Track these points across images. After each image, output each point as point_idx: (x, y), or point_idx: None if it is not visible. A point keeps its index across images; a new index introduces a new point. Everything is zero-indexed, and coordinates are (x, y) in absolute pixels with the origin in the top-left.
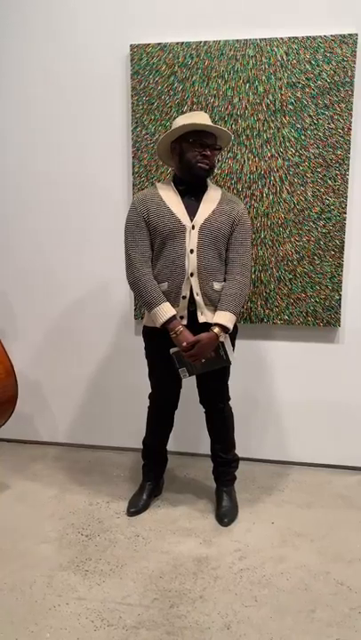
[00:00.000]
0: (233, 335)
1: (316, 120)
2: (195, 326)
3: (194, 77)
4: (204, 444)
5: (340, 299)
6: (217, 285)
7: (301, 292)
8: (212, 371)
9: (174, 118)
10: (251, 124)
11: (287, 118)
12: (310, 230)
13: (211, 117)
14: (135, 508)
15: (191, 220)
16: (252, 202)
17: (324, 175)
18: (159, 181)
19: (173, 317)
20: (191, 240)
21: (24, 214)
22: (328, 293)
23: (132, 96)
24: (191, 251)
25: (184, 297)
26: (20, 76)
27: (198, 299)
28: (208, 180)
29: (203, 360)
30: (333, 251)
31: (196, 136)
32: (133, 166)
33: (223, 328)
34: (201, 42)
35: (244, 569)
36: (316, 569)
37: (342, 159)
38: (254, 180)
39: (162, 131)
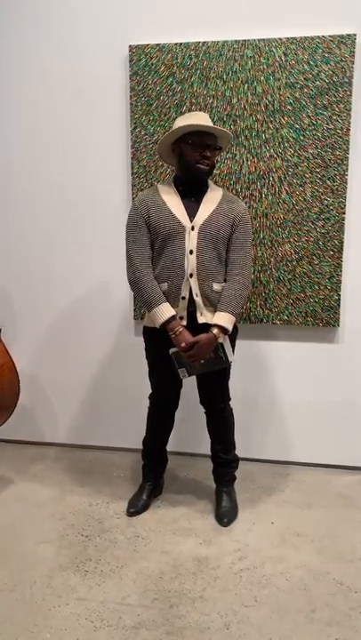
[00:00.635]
0: (233, 336)
1: (315, 120)
2: (194, 327)
3: (193, 78)
4: (204, 445)
5: (339, 299)
6: (216, 286)
7: (301, 293)
8: (212, 371)
9: (173, 119)
10: (249, 124)
11: (286, 119)
12: (309, 230)
13: (209, 118)
14: (135, 508)
15: (191, 221)
16: (252, 202)
17: (323, 175)
18: (159, 182)
19: (173, 318)
20: (191, 241)
21: (23, 214)
22: (327, 293)
23: (130, 97)
24: (191, 251)
25: (183, 297)
26: (20, 77)
27: (198, 299)
28: (209, 181)
29: (202, 361)
30: (332, 251)
31: (196, 137)
32: (132, 167)
33: (222, 329)
34: (200, 42)
35: (244, 569)
36: (316, 569)
37: (341, 159)
38: (253, 181)
39: (161, 131)
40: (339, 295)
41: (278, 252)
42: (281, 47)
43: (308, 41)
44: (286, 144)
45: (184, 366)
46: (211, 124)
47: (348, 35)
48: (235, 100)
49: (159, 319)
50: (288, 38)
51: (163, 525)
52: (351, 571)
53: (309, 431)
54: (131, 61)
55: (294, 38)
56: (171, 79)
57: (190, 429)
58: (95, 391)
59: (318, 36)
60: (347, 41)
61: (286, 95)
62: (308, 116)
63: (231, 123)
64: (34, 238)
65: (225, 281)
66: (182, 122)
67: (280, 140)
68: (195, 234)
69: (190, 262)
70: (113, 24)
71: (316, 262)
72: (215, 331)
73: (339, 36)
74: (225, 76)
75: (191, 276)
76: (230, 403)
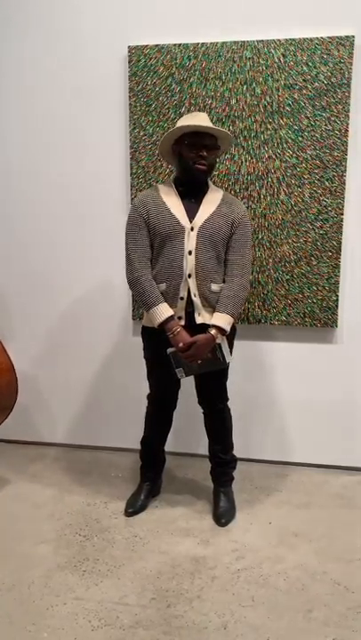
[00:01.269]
0: (232, 336)
1: (314, 121)
2: (192, 327)
3: (191, 79)
4: (202, 445)
5: (337, 299)
6: (215, 287)
7: (299, 293)
8: (210, 372)
9: (172, 120)
10: (248, 125)
11: (284, 120)
12: (308, 231)
13: (210, 118)
14: (133, 508)
15: (190, 222)
16: (250, 203)
17: (322, 176)
18: (160, 182)
19: (171, 318)
20: (190, 241)
21: (23, 214)
22: (325, 294)
23: (129, 97)
24: (189, 252)
25: (182, 298)
26: (19, 77)
27: (196, 300)
28: (209, 182)
29: (199, 361)
30: (331, 252)
31: (192, 137)
32: (131, 167)
33: (220, 330)
34: (199, 43)
35: (242, 569)
36: (314, 569)
37: (339, 160)
38: (252, 182)
39: (160, 132)
40: (337, 296)
41: (277, 252)
42: (280, 48)
43: (306, 42)
44: (285, 145)
45: (182, 366)
46: (209, 125)
47: (347, 36)
48: (234, 101)
49: (157, 319)
50: (287, 39)
51: (161, 525)
52: (349, 571)
53: (307, 431)
54: (130, 62)
55: (293, 39)
56: (170, 80)
57: (188, 430)
58: (94, 391)
59: (317, 38)
60: (345, 42)
61: (285, 96)
62: (307, 117)
63: (230, 123)
64: (33, 238)
65: (224, 282)
66: (182, 122)
67: (279, 140)
68: (194, 234)
69: (189, 263)
70: (112, 25)
71: (315, 263)
72: (213, 331)
73: (337, 37)
74: (224, 77)
75: (190, 276)
76: (228, 403)
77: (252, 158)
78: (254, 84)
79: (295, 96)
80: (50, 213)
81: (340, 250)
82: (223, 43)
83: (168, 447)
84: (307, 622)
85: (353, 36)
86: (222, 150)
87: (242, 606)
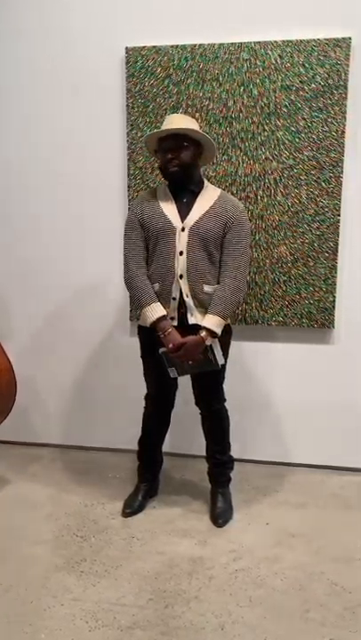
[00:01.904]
0: (227, 337)
1: (311, 123)
2: (185, 327)
3: (189, 80)
4: (199, 445)
5: (334, 300)
6: (208, 288)
7: (296, 294)
8: (207, 372)
9: None
10: (245, 126)
11: (281, 121)
12: (305, 232)
13: (205, 120)
14: (130, 508)
15: (182, 222)
16: (247, 204)
17: (319, 177)
18: (159, 184)
19: (163, 318)
20: (181, 242)
21: (20, 215)
22: (322, 295)
23: (127, 98)
24: (180, 252)
25: (174, 298)
26: (17, 78)
27: (188, 300)
28: (206, 182)
29: (190, 362)
30: (328, 252)
31: (159, 144)
32: (129, 168)
33: (211, 332)
34: (196, 45)
35: (239, 569)
36: (311, 569)
37: (336, 161)
38: (249, 183)
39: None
40: (334, 297)
41: (274, 253)
42: (277, 50)
43: (303, 44)
44: (282, 146)
45: (174, 366)
46: (173, 126)
47: (344, 38)
48: (231, 103)
49: (149, 319)
50: (284, 41)
51: (158, 526)
52: (346, 571)
53: (304, 432)
54: (127, 63)
55: (290, 41)
56: (167, 81)
57: (186, 430)
58: (91, 392)
59: (314, 39)
60: (342, 44)
61: (282, 97)
62: (304, 119)
63: (227, 125)
64: (30, 238)
65: (218, 282)
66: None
67: (276, 142)
68: (185, 235)
69: (180, 263)
70: (110, 26)
71: (312, 264)
72: (203, 333)
73: (334, 39)
74: (221, 79)
75: (181, 277)
76: (226, 404)
77: (249, 159)
78: (251, 86)
79: (292, 97)
80: (47, 214)
81: (337, 251)
82: (220, 44)
83: (165, 448)
84: (304, 622)
85: (350, 38)
86: (206, 147)
87: (239, 606)
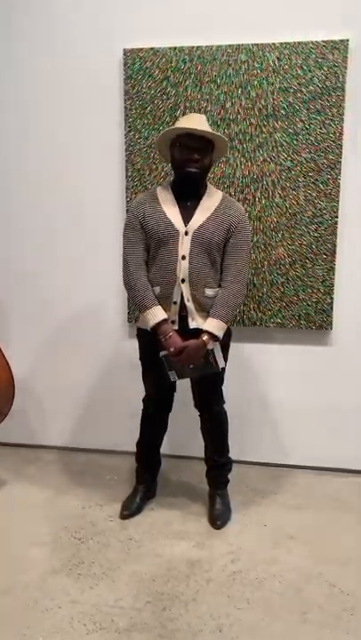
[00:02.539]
0: (227, 340)
1: (308, 125)
2: (187, 331)
3: (187, 82)
4: (197, 447)
5: (332, 302)
6: (209, 292)
7: (294, 296)
8: (205, 375)
9: (167, 122)
10: (243, 128)
11: (279, 123)
12: (302, 234)
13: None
14: (128, 511)
15: (185, 226)
16: (245, 206)
17: (316, 179)
18: (159, 185)
19: (164, 321)
20: (183, 246)
21: (19, 216)
22: (320, 296)
23: (125, 100)
24: (183, 257)
25: (175, 302)
26: (15, 80)
27: (189, 304)
28: (209, 185)
29: (191, 365)
30: (325, 254)
31: (185, 140)
32: (127, 170)
33: (212, 336)
34: (194, 47)
35: (237, 571)
36: (309, 571)
37: (334, 163)
38: (247, 185)
39: (155, 135)
40: (332, 298)
41: (272, 255)
42: (275, 52)
43: (301, 46)
44: (280, 148)
45: (174, 369)
46: (204, 128)
47: (341, 40)
48: (229, 104)
49: (150, 322)
50: (282, 43)
51: (156, 528)
52: (344, 573)
53: (302, 433)
54: (125, 65)
55: (288, 43)
56: (165, 83)
57: (184, 432)
58: (89, 394)
59: (312, 42)
60: (340, 46)
61: (280, 99)
62: (302, 121)
63: (225, 127)
64: (28, 240)
65: (219, 286)
66: (178, 124)
67: (274, 143)
68: (188, 239)
69: (182, 267)
70: (108, 28)
71: (310, 265)
72: (205, 337)
73: (332, 41)
74: (219, 81)
75: (183, 281)
76: (224, 405)
77: (247, 161)
78: (249, 88)
79: (290, 99)
80: (46, 215)
81: (335, 252)
82: (218, 46)
83: (164, 449)
84: (302, 624)
85: (347, 40)
86: (218, 156)
87: (237, 609)
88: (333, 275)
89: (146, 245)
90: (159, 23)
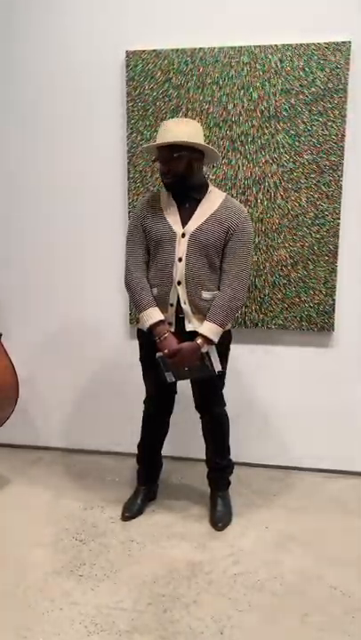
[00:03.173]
0: (226, 343)
1: (310, 126)
2: (184, 333)
3: (189, 84)
4: (198, 449)
5: (333, 303)
6: (207, 295)
7: (296, 297)
8: (205, 377)
9: None
10: (245, 130)
11: (281, 124)
12: (304, 236)
13: (205, 123)
14: (130, 512)
15: (183, 228)
16: (247, 207)
17: (318, 181)
18: (159, 187)
19: (160, 322)
20: (180, 248)
21: (22, 218)
22: (322, 298)
23: (127, 102)
24: (180, 259)
25: (171, 304)
26: (16, 81)
27: (185, 307)
28: (211, 186)
29: (186, 368)
30: (327, 256)
31: (157, 153)
32: (129, 172)
33: (207, 339)
34: (196, 48)
35: (238, 573)
36: (310, 573)
37: (336, 165)
38: (249, 186)
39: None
40: (334, 300)
41: (274, 256)
42: (277, 54)
43: (303, 48)
44: (282, 150)
45: (171, 370)
46: (167, 137)
47: (343, 42)
48: (231, 106)
49: (146, 323)
50: (284, 45)
51: (157, 530)
52: (345, 575)
53: (304, 435)
54: (127, 67)
55: (290, 45)
56: (167, 85)
57: (185, 434)
58: (91, 395)
59: (314, 43)
60: (342, 48)
61: (282, 101)
62: (304, 122)
63: (227, 128)
64: (31, 240)
65: (219, 289)
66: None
67: (276, 145)
68: (185, 241)
69: (179, 270)
70: (110, 29)
71: (311, 267)
72: (199, 340)
73: (334, 43)
74: (221, 82)
75: (179, 283)
76: (225, 407)
77: (249, 163)
78: (251, 89)
79: (292, 101)
80: (48, 217)
81: (337, 254)
82: (220, 48)
83: (165, 451)
84: (303, 627)
85: (349, 42)
86: (209, 155)
87: (238, 611)
88: (335, 276)
89: (146, 247)
90: (161, 25)
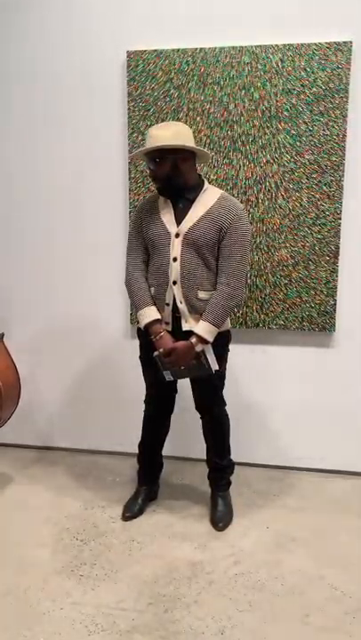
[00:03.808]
0: (225, 343)
1: (312, 126)
2: (180, 332)
3: (190, 84)
4: (199, 449)
5: (335, 304)
6: (203, 294)
7: (297, 297)
8: (205, 377)
9: None
10: (246, 130)
11: (282, 125)
12: (305, 236)
13: (206, 124)
14: (130, 512)
15: (177, 228)
16: (248, 207)
17: (320, 181)
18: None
19: (156, 321)
20: (174, 248)
21: (23, 218)
22: (323, 298)
23: (128, 102)
24: (174, 259)
25: (167, 304)
26: (17, 82)
27: (182, 306)
28: (206, 184)
29: (182, 367)
30: (328, 256)
31: (144, 160)
32: (130, 172)
33: (202, 339)
34: (197, 49)
35: (239, 574)
36: (311, 574)
37: (337, 165)
38: (250, 186)
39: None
40: (335, 300)
41: (275, 256)
42: (278, 54)
43: (304, 48)
44: (283, 150)
45: (168, 369)
46: (151, 143)
47: (345, 42)
48: (232, 106)
49: (143, 321)
50: (285, 45)
51: (158, 530)
52: (346, 576)
53: (305, 436)
54: (128, 67)
55: (291, 45)
56: (168, 85)
57: (186, 434)
58: (92, 395)
59: (315, 43)
60: (343, 48)
61: (283, 101)
62: (305, 122)
63: (228, 128)
64: (32, 239)
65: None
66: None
67: (277, 145)
68: (179, 241)
69: (174, 270)
70: (111, 29)
71: (313, 267)
72: (193, 340)
73: (335, 43)
74: (222, 82)
75: (175, 283)
76: (225, 407)
77: (250, 163)
78: (252, 89)
79: (293, 101)
80: (48, 217)
81: (338, 254)
82: (221, 48)
83: (165, 451)
84: (304, 627)
85: (351, 42)
86: (200, 155)
87: (239, 611)
88: (336, 276)
89: (145, 248)
90: (162, 25)
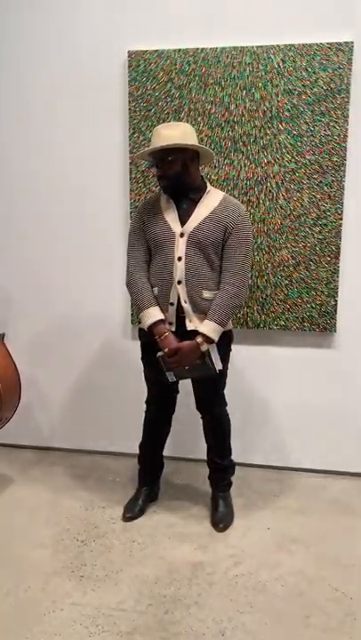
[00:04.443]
0: (227, 342)
1: (313, 127)
2: (184, 332)
3: (191, 84)
4: (200, 450)
5: (336, 304)
6: (207, 294)
7: (298, 298)
8: (206, 377)
9: None
10: (247, 130)
11: (284, 125)
12: (306, 236)
13: (207, 124)
14: (131, 513)
15: (181, 228)
16: (249, 208)
17: (321, 181)
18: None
19: (160, 322)
20: (179, 248)
21: (24, 218)
22: (324, 299)
23: (129, 102)
24: (179, 258)
25: (172, 303)
26: (19, 82)
27: (186, 306)
28: (209, 186)
29: (186, 367)
30: (329, 256)
31: (149, 159)
32: (131, 172)
33: (207, 338)
34: (198, 49)
35: (240, 575)
36: (312, 575)
37: (338, 165)
38: (251, 187)
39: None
40: (336, 300)
41: (275, 257)
42: (279, 54)
43: (306, 48)
44: (284, 150)
45: (171, 370)
46: (157, 141)
47: (346, 42)
48: (233, 107)
49: (146, 322)
50: (286, 45)
51: (158, 531)
52: (347, 577)
53: (305, 436)
54: (130, 67)
55: (292, 45)
56: (169, 85)
57: (186, 434)
58: (92, 396)
59: (316, 44)
60: (344, 48)
61: (284, 101)
62: (306, 123)
63: (229, 129)
64: (33, 240)
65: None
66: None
67: (278, 145)
68: (183, 241)
69: (178, 269)
70: (112, 30)
71: (313, 268)
72: (199, 339)
73: (336, 43)
74: (223, 83)
75: (179, 282)
76: (226, 408)
77: (251, 163)
78: (254, 90)
79: (294, 101)
80: (50, 216)
81: (339, 254)
82: (222, 48)
83: (166, 452)
84: (305, 628)
85: (352, 42)
86: (204, 155)
87: (240, 612)
88: (337, 277)
89: (147, 248)
90: (163, 25)
